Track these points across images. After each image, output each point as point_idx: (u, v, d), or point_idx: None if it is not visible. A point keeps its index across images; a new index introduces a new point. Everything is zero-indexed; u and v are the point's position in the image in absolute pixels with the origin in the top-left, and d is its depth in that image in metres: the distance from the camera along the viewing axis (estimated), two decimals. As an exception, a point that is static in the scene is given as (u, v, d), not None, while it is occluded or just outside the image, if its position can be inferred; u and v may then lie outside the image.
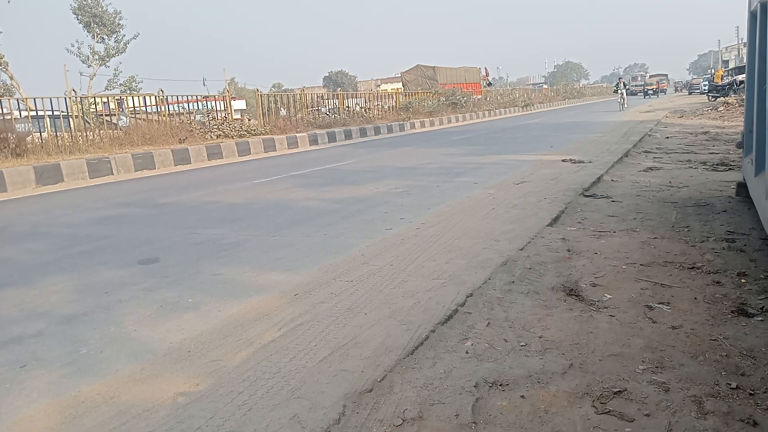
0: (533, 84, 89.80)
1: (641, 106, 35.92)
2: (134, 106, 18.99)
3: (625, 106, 31.94)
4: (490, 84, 52.68)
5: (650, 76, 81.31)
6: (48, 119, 14.54)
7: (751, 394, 2.34)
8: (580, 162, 9.94)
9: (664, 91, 70.30)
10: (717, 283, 3.66)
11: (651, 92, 60.82)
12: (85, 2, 24.07)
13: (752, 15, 5.54)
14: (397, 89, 38.07)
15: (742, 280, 3.67)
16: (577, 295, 3.58)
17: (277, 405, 2.46)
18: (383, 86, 58.83)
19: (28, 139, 13.62)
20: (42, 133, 14.25)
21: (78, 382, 2.84)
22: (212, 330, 3.39)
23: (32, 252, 5.69)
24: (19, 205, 9.21)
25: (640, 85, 68.15)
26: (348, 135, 21.63)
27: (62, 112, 15.05)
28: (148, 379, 2.80)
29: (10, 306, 4.08)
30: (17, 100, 16.41)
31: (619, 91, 32.79)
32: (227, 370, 2.83)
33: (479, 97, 40.30)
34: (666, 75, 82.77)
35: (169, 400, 2.58)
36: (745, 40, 8.48)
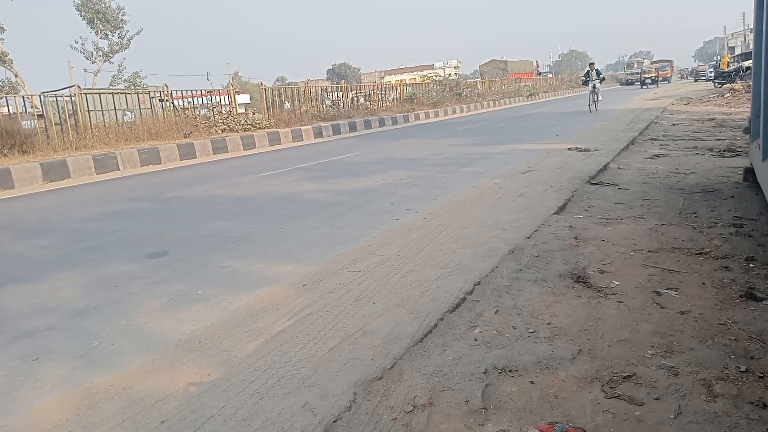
0: (538, 73, 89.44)
1: (646, 93, 35.57)
2: (139, 102, 19.01)
3: (599, 102, 21.93)
4: (540, 74, 61.77)
5: (651, 63, 71.83)
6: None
7: (760, 377, 2.35)
8: (586, 150, 9.91)
9: (667, 79, 61.97)
10: (725, 268, 3.66)
11: (649, 81, 50.96)
12: (88, -2, 24.10)
13: (759, 0, 5.50)
14: (401, 81, 38.03)
15: (750, 265, 3.66)
16: (584, 282, 3.58)
17: (288, 393, 2.48)
18: (387, 78, 58.83)
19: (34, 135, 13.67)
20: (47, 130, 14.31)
21: (91, 374, 2.87)
22: (222, 321, 3.41)
23: (41, 248, 5.73)
24: (27, 202, 9.26)
25: (637, 74, 57.69)
26: (353, 127, 21.62)
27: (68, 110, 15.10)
28: (160, 370, 2.83)
29: (21, 301, 4.12)
30: (22, 97, 16.45)
31: (590, 84, 21.91)
32: (238, 360, 2.85)
33: (532, 83, 47.63)
34: (670, 61, 70.86)
35: (181, 390, 2.61)
36: (751, 26, 8.42)
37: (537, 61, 60.38)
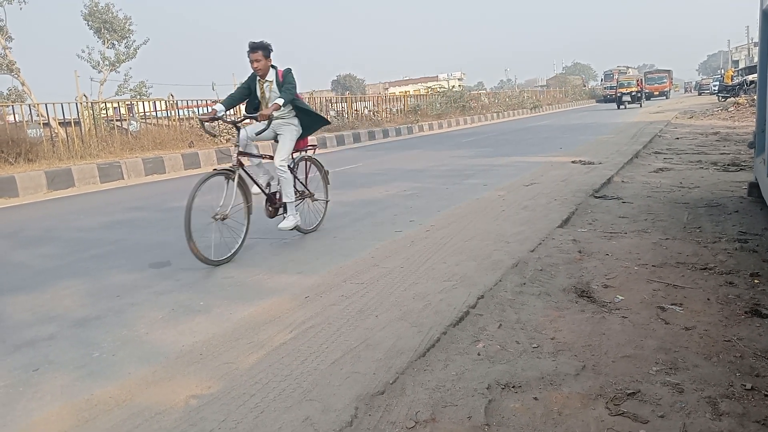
0: (541, 86, 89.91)
1: (648, 107, 35.22)
2: (144, 111, 19.11)
3: (320, 218, 6.27)
4: (585, 85, 74.27)
5: (645, 72, 57.82)
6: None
7: (766, 395, 2.32)
8: (590, 163, 9.90)
9: (665, 93, 50.17)
10: (730, 283, 3.63)
11: (628, 100, 35.87)
12: (95, 8, 24.22)
13: (764, 14, 5.50)
14: (406, 92, 38.20)
15: (755, 281, 3.64)
16: (588, 297, 3.56)
17: (289, 407, 2.46)
18: (392, 89, 59.15)
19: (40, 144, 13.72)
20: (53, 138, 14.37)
21: (91, 385, 2.85)
22: (224, 333, 3.39)
23: (44, 256, 5.73)
24: (31, 210, 9.28)
25: (615, 88, 40.91)
26: (357, 138, 21.64)
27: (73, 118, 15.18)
28: (161, 382, 2.81)
29: (22, 310, 4.11)
30: (29, 105, 16.54)
31: (240, 133, 5.27)
32: (239, 373, 2.83)
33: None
34: (668, 71, 55.80)
35: (181, 402, 2.59)
36: (755, 40, 8.43)
37: (582, 77, 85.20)
